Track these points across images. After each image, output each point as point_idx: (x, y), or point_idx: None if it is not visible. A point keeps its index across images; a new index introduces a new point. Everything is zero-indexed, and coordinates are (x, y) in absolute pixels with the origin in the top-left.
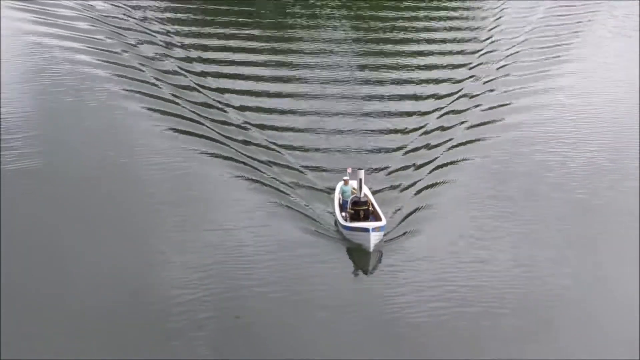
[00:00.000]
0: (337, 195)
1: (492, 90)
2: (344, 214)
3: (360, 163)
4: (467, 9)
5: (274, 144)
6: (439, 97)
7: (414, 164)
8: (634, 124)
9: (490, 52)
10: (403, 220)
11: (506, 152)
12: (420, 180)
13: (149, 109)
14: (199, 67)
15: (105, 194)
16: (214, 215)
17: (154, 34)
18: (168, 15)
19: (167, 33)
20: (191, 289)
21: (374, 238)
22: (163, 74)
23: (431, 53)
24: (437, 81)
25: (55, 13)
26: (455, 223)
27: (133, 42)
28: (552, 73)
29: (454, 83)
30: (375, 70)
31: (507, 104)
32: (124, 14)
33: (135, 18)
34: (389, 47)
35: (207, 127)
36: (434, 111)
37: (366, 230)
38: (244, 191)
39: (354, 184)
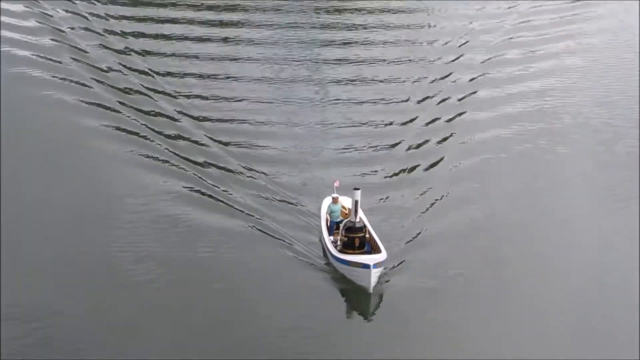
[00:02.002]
0: (324, 216)
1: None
2: (332, 237)
3: (345, 178)
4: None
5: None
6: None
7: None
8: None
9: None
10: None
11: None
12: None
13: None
14: None
15: None
16: None
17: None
18: None
19: None
20: None
21: (375, 276)
22: None
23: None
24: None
25: None
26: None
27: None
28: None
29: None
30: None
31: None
32: None
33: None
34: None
35: None
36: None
37: (366, 266)
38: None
39: (343, 200)
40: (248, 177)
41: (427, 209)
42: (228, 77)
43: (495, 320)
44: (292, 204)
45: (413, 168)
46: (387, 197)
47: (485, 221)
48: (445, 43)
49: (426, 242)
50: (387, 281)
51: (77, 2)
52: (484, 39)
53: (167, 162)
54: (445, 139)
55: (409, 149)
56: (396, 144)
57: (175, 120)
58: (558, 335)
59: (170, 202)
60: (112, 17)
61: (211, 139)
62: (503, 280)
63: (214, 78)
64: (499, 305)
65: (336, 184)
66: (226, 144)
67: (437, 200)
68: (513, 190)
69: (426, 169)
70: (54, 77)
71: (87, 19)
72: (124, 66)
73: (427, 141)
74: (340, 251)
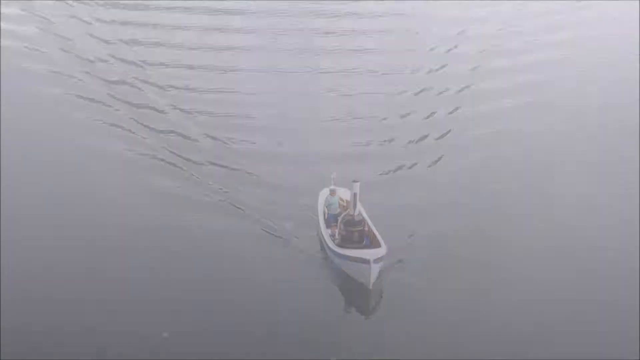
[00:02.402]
0: (321, 209)
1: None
2: (330, 230)
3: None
4: None
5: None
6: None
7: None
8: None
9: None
10: None
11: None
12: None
13: None
14: None
15: None
16: None
17: None
18: None
19: None
20: None
21: (375, 271)
22: None
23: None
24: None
25: None
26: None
27: None
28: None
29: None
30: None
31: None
32: None
33: None
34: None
35: None
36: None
37: (366, 261)
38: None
39: (341, 192)
40: (241, 169)
41: (426, 206)
42: (219, 68)
43: (496, 317)
44: (287, 196)
45: (412, 162)
46: (385, 191)
47: (485, 217)
48: (440, 34)
49: (426, 238)
50: (385, 278)
51: None
52: (480, 29)
53: (156, 157)
54: (443, 135)
55: (408, 142)
56: (393, 138)
57: (162, 111)
58: (558, 332)
59: (160, 198)
60: (99, 4)
61: (204, 133)
62: (505, 277)
63: (204, 68)
64: (501, 302)
65: (333, 176)
66: (218, 137)
67: (436, 195)
68: (513, 181)
69: (426, 163)
70: (40, 67)
71: (72, 6)
72: (111, 55)
73: (425, 136)
74: (339, 245)
